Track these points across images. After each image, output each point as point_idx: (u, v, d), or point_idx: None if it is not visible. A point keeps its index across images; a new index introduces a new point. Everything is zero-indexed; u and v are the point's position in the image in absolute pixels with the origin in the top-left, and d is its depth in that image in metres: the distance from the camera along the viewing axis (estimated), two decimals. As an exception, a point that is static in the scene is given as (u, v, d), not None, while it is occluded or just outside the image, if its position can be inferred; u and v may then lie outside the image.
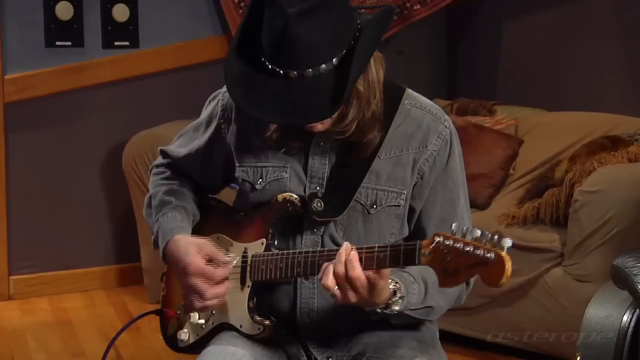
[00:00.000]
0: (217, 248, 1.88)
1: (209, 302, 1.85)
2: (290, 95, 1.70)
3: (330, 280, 1.64)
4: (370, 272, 1.63)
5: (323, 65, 1.69)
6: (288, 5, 1.67)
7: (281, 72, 1.70)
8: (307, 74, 1.69)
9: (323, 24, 1.68)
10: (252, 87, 1.74)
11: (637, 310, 2.05)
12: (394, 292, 1.69)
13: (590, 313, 2.10)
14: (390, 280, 1.68)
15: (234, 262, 1.87)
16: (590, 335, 2.07)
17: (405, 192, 1.84)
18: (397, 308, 1.71)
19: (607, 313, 2.08)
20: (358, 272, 1.62)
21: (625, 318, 2.05)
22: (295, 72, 1.69)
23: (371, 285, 1.63)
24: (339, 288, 1.64)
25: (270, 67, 1.71)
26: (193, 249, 1.86)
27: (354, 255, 1.64)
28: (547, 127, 3.80)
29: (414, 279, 1.76)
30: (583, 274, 3.06)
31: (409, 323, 1.87)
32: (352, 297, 1.64)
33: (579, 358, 2.06)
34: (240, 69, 1.77)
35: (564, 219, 3.16)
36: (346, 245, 1.66)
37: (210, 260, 1.86)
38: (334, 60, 1.70)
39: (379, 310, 1.71)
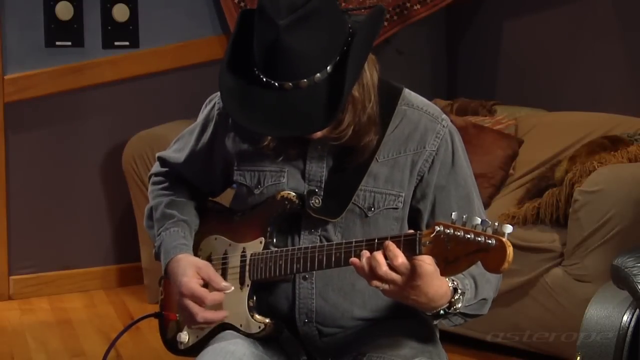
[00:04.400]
0: (215, 274, 1.88)
1: (199, 325, 1.87)
2: (286, 107, 1.69)
3: (385, 267, 1.60)
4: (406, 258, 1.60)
5: (317, 75, 1.68)
6: (278, 16, 1.66)
7: (276, 84, 1.69)
8: (302, 85, 1.68)
9: (314, 33, 1.67)
10: (247, 101, 1.73)
11: (637, 310, 2.05)
12: (455, 290, 1.68)
13: (590, 313, 2.10)
14: (447, 279, 1.66)
15: (230, 289, 1.87)
16: (590, 335, 2.07)
17: (404, 194, 1.84)
18: (459, 306, 1.69)
19: (607, 313, 2.07)
20: (401, 259, 1.59)
21: (625, 318, 2.05)
22: (290, 84, 1.68)
23: (418, 270, 1.58)
24: (387, 283, 1.61)
25: (264, 79, 1.71)
26: (191, 270, 1.87)
27: (392, 244, 1.61)
28: (547, 127, 3.80)
29: (463, 274, 1.72)
30: (583, 274, 3.06)
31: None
32: (400, 288, 1.60)
33: (579, 358, 2.06)
34: (235, 83, 1.76)
35: (564, 219, 3.16)
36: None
37: (206, 285, 1.86)
38: (328, 68, 1.69)
39: (442, 312, 1.69)
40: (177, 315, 1.98)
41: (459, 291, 1.69)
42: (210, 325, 1.90)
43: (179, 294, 1.87)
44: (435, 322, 1.76)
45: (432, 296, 1.64)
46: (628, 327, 2.04)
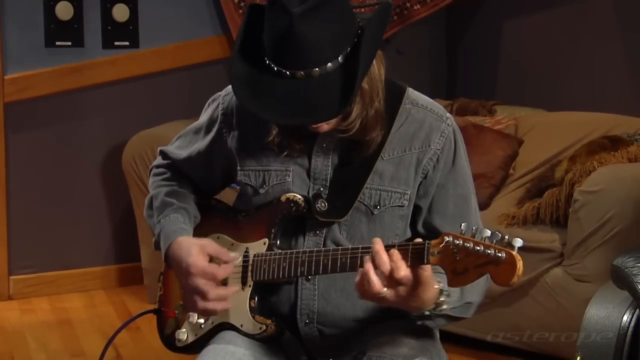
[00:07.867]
0: (221, 247, 1.88)
1: (210, 305, 1.83)
2: (298, 96, 1.69)
3: (377, 286, 1.61)
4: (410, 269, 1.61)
5: (329, 64, 1.69)
6: (290, 5, 1.66)
7: (287, 72, 1.70)
8: (314, 73, 1.69)
9: (327, 22, 1.68)
10: (258, 90, 1.73)
11: (637, 310, 2.05)
12: (440, 291, 1.68)
13: (590, 313, 2.10)
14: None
15: (238, 260, 1.87)
16: (590, 335, 2.06)
17: (409, 192, 1.84)
18: (445, 307, 1.70)
19: (607, 313, 2.07)
20: (404, 272, 1.60)
21: (625, 318, 2.05)
22: (302, 72, 1.69)
23: (419, 279, 1.60)
24: (387, 289, 1.62)
25: (275, 68, 1.71)
26: (195, 249, 1.86)
27: (397, 254, 1.61)
28: (547, 127, 3.80)
29: None
30: (583, 274, 3.06)
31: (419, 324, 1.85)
32: (401, 298, 1.62)
33: (579, 358, 2.06)
34: (245, 73, 1.76)
35: (564, 219, 3.16)
36: (378, 242, 1.63)
37: (212, 260, 1.85)
38: (339, 57, 1.70)
39: (427, 313, 1.70)
40: (176, 312, 1.98)
41: (444, 292, 1.69)
42: (213, 314, 1.88)
43: (186, 276, 1.84)
44: (419, 323, 1.76)
45: (425, 300, 1.65)
46: (628, 327, 2.04)
